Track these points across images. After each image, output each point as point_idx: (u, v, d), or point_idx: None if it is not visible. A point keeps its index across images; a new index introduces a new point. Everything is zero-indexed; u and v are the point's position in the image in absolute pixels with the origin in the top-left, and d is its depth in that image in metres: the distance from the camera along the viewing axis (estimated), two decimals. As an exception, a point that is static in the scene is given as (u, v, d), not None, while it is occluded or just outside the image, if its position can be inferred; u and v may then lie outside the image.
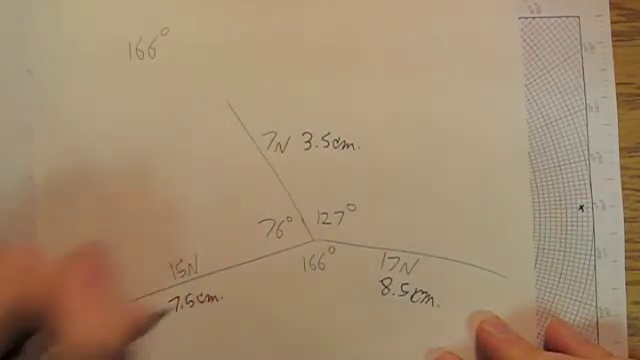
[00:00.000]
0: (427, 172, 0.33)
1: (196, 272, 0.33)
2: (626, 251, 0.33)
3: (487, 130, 0.34)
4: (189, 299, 0.33)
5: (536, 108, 0.34)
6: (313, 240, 0.33)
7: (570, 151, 0.34)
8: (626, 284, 0.33)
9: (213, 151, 0.33)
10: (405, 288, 0.33)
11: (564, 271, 0.33)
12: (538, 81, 0.34)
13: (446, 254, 0.33)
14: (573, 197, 0.34)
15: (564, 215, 0.34)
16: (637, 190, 0.34)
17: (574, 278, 0.33)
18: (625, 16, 0.34)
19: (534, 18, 0.34)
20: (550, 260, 0.33)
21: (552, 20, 0.34)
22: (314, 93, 0.33)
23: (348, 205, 0.33)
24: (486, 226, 0.33)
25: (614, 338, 0.33)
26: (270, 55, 0.33)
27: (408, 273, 0.33)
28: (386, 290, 0.33)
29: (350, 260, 0.33)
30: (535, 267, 0.33)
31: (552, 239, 0.33)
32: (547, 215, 0.33)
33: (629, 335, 0.33)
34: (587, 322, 0.33)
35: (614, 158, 0.34)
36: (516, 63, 0.34)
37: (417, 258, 0.33)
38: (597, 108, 0.34)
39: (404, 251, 0.33)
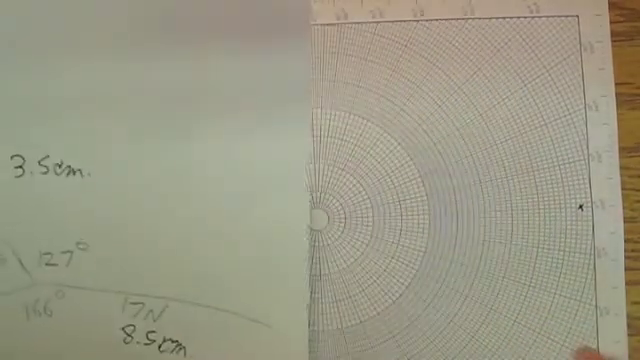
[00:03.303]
0: (170, 206, 0.29)
1: None
2: (625, 251, 0.33)
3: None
4: None
5: (535, 108, 0.34)
6: (34, 284, 0.29)
7: (569, 150, 0.34)
8: (625, 284, 0.33)
9: None
10: (152, 337, 0.30)
11: (564, 271, 0.33)
12: (537, 81, 0.34)
13: (198, 299, 0.29)
14: (573, 196, 0.34)
15: (564, 214, 0.34)
16: (637, 190, 0.34)
17: (574, 278, 0.33)
18: (625, 16, 0.34)
19: (533, 17, 0.34)
20: (550, 260, 0.33)
21: (551, 19, 0.34)
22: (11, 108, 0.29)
23: (78, 244, 0.29)
24: (247, 270, 0.30)
25: (614, 338, 0.33)
26: None
27: (155, 320, 0.29)
28: (129, 338, 0.29)
29: (83, 305, 0.29)
30: (535, 267, 0.33)
31: (552, 238, 0.33)
32: (547, 215, 0.33)
33: (629, 335, 0.33)
34: (587, 322, 0.33)
35: (614, 158, 0.34)
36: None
37: (165, 304, 0.29)
38: (596, 107, 0.34)
39: (148, 296, 0.29)
